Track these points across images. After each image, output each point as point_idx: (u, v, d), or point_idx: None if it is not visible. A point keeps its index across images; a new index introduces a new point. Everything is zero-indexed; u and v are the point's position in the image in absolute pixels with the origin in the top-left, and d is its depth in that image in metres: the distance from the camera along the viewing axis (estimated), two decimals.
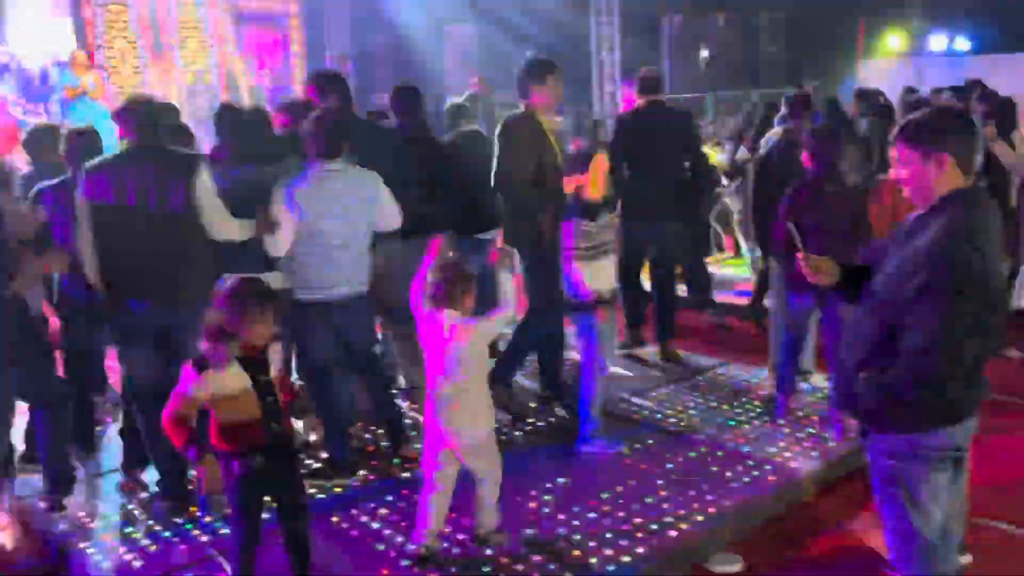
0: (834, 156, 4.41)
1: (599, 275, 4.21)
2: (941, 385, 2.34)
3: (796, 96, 5.76)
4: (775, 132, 6.10)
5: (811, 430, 4.53)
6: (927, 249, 2.34)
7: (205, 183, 3.79)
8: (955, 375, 2.34)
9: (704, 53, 15.47)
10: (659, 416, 4.85)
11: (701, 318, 6.75)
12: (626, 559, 3.40)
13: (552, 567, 3.39)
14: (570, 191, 4.25)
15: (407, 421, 4.65)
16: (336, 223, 4.02)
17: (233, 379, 2.84)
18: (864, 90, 8.13)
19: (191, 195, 3.73)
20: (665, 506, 3.81)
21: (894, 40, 13.51)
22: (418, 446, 4.18)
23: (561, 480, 4.06)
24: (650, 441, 4.51)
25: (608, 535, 3.57)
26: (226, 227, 3.87)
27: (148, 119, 3.83)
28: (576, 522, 3.68)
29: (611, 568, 3.35)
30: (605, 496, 3.91)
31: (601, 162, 4.20)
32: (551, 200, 4.54)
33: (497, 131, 4.71)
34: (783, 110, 6.07)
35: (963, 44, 13.05)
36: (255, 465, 2.89)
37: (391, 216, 4.23)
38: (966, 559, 3.19)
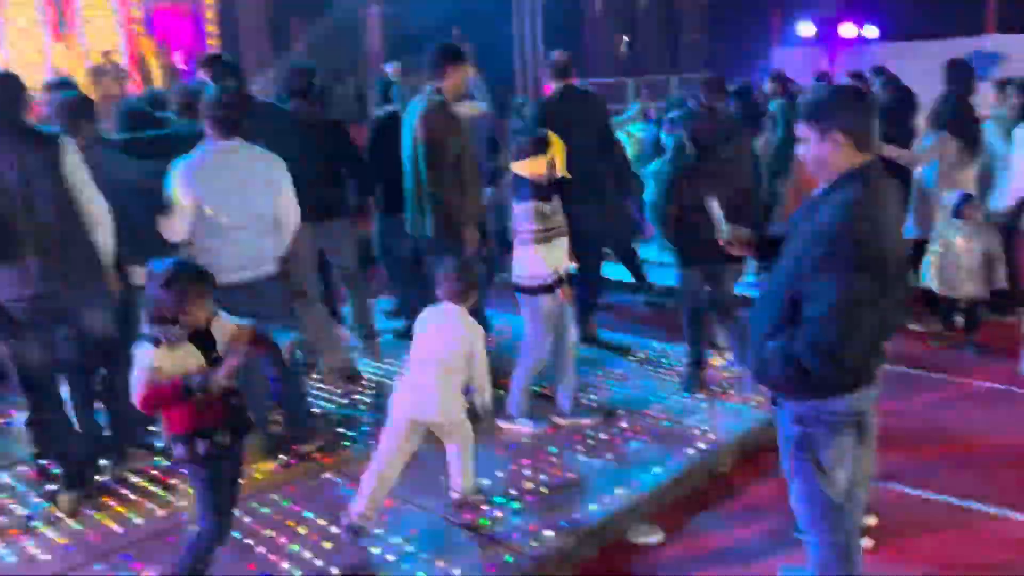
0: (712, 136, 4.61)
1: (556, 256, 4.25)
2: (840, 354, 2.42)
3: (709, 80, 5.87)
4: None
5: (729, 403, 4.65)
6: (825, 224, 2.42)
7: (73, 161, 3.61)
8: (853, 345, 2.42)
9: (625, 38, 15.64)
10: (581, 394, 4.90)
11: (635, 299, 6.90)
12: (548, 533, 3.44)
13: (475, 544, 3.40)
14: (535, 172, 4.19)
15: (316, 411, 4.59)
16: (236, 203, 3.87)
17: (189, 358, 2.80)
18: (778, 73, 8.34)
19: (57, 173, 3.57)
20: (587, 482, 3.86)
21: (807, 28, 13.91)
22: (318, 444, 4.22)
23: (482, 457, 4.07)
24: (586, 427, 4.52)
25: (530, 511, 3.61)
26: (98, 208, 3.70)
27: (5, 95, 3.62)
28: (498, 499, 3.70)
29: (533, 544, 3.37)
30: (527, 472, 3.94)
31: (558, 141, 4.22)
32: (468, 189, 4.53)
33: (415, 121, 4.60)
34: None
35: (872, 32, 13.52)
36: (221, 441, 2.88)
37: (290, 205, 4.08)
38: (871, 520, 3.33)
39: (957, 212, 5.34)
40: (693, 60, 16.15)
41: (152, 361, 2.74)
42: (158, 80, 11.22)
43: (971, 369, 5.29)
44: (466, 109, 5.66)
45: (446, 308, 3.54)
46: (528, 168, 4.16)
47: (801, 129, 2.57)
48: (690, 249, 4.65)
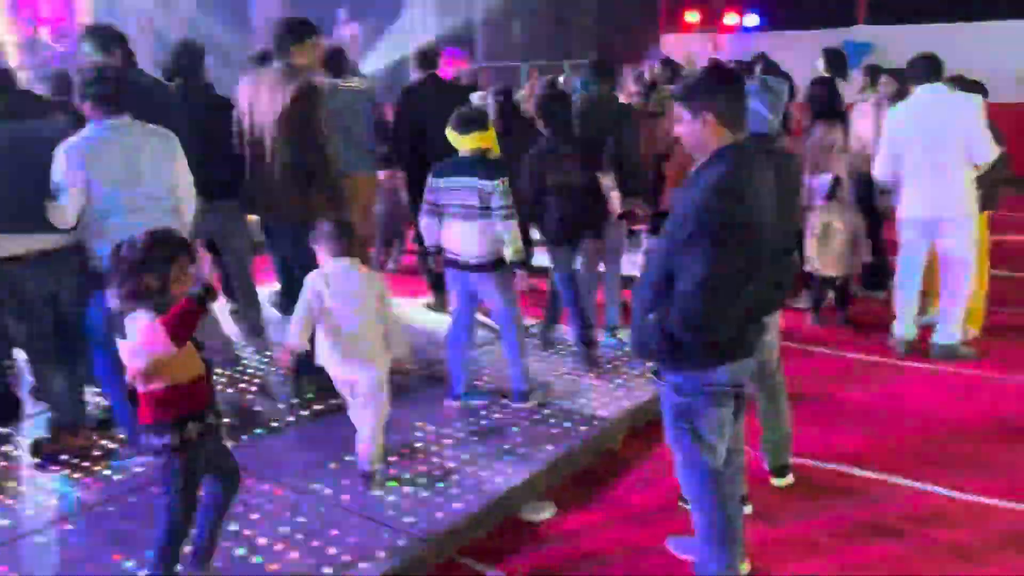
0: (564, 118, 4.86)
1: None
2: (711, 327, 2.50)
3: (595, 63, 5.94)
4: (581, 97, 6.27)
5: (618, 380, 4.74)
6: (693, 201, 2.50)
7: None
8: (722, 317, 2.51)
9: (516, 23, 15.67)
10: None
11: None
12: (439, 515, 3.42)
13: (365, 525, 3.36)
14: (480, 147, 4.16)
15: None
16: (129, 184, 3.68)
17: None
18: (668, 59, 8.54)
19: None
20: (481, 460, 3.86)
21: (693, 15, 14.29)
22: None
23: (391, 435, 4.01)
24: (480, 408, 4.54)
25: (424, 492, 3.59)
26: None
27: None
28: (391, 481, 3.66)
29: (423, 526, 3.35)
30: (420, 454, 3.92)
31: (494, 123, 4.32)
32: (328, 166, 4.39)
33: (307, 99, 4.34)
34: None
35: (752, 20, 14.02)
36: (200, 428, 2.74)
37: (188, 185, 3.93)
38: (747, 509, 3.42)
39: (830, 195, 5.59)
40: (584, 45, 16.34)
41: (164, 349, 2.55)
42: (13, 57, 10.40)
43: (847, 342, 5.58)
44: (342, 83, 5.60)
45: (342, 264, 3.50)
46: (475, 143, 4.17)
47: (677, 109, 2.65)
48: (551, 227, 4.83)
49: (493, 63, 13.46)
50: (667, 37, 13.87)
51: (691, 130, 2.61)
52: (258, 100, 4.33)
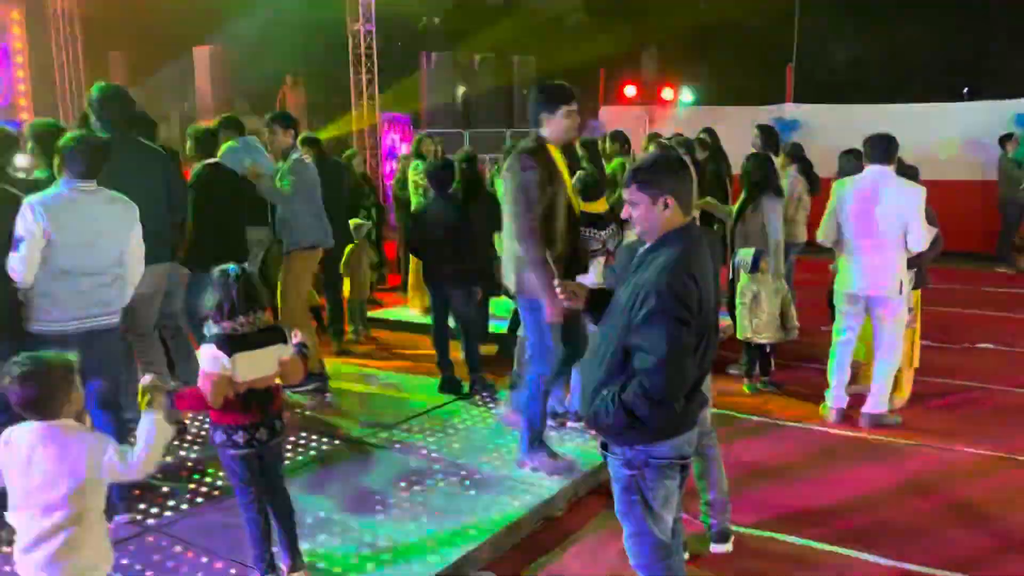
0: (446, 186, 5.78)
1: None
2: (669, 401, 2.59)
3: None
4: None
5: (565, 446, 4.77)
6: (654, 280, 2.60)
7: None
8: (679, 391, 2.61)
9: (461, 90, 16.01)
10: (420, 442, 4.89)
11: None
12: None
13: None
14: None
15: None
16: (87, 247, 3.73)
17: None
18: (617, 132, 8.77)
19: None
20: (426, 532, 3.83)
21: (630, 89, 14.84)
22: None
23: (322, 514, 3.96)
24: (412, 466, 4.54)
25: (369, 564, 3.53)
26: None
27: None
28: (337, 553, 3.61)
29: None
30: (365, 525, 3.87)
31: None
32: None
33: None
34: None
35: (688, 96, 14.64)
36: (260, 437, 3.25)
37: (139, 254, 4.01)
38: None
39: (754, 267, 5.83)
40: (526, 114, 16.77)
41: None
42: None
43: (780, 410, 5.74)
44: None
45: None
46: None
47: (631, 193, 2.74)
48: (428, 275, 5.78)
49: (435, 130, 13.67)
50: (607, 109, 14.32)
51: (649, 213, 2.71)
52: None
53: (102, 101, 4.60)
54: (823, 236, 5.47)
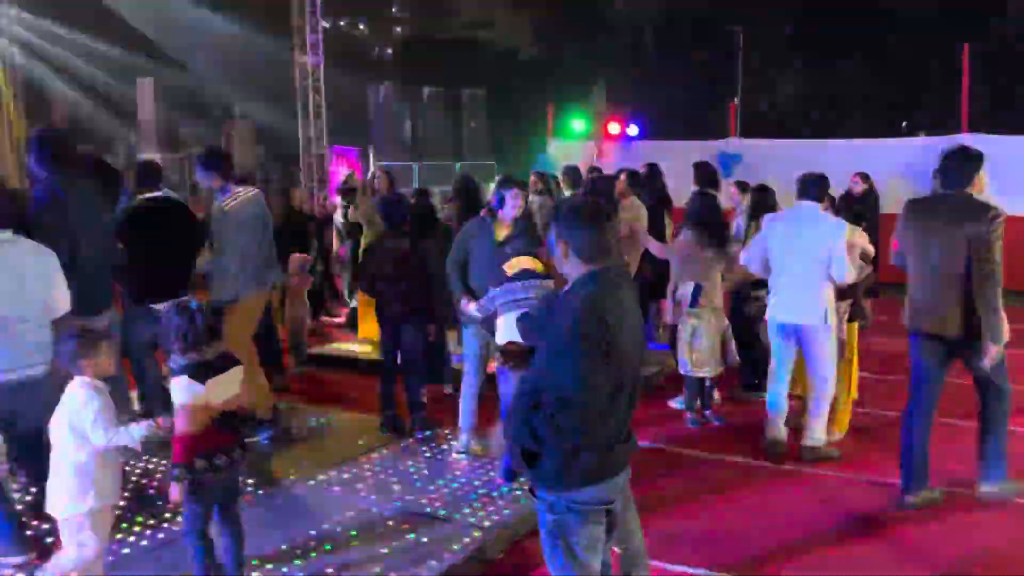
0: (398, 217, 5.72)
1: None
2: (573, 439, 2.58)
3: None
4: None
5: (504, 488, 4.72)
6: (560, 322, 2.62)
7: None
8: (586, 431, 2.58)
9: (408, 123, 16.05)
10: (359, 483, 4.79)
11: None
12: None
13: None
14: None
15: None
16: (13, 294, 3.71)
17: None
18: (569, 168, 8.81)
19: None
20: (371, 574, 3.74)
21: (579, 122, 15.03)
22: None
23: (256, 561, 3.85)
24: (346, 508, 4.45)
25: None
26: None
27: None
28: None
29: None
30: (292, 571, 3.76)
31: None
32: None
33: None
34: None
35: (634, 130, 14.87)
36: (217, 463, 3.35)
37: (63, 298, 3.95)
38: None
39: (694, 301, 5.89)
40: (476, 147, 16.87)
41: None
42: None
43: (720, 444, 5.76)
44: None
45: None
46: None
47: (551, 235, 2.79)
48: (377, 310, 5.68)
49: (385, 162, 13.66)
50: (555, 142, 14.47)
51: (559, 255, 2.77)
52: None
53: (39, 144, 4.57)
54: (755, 268, 5.59)
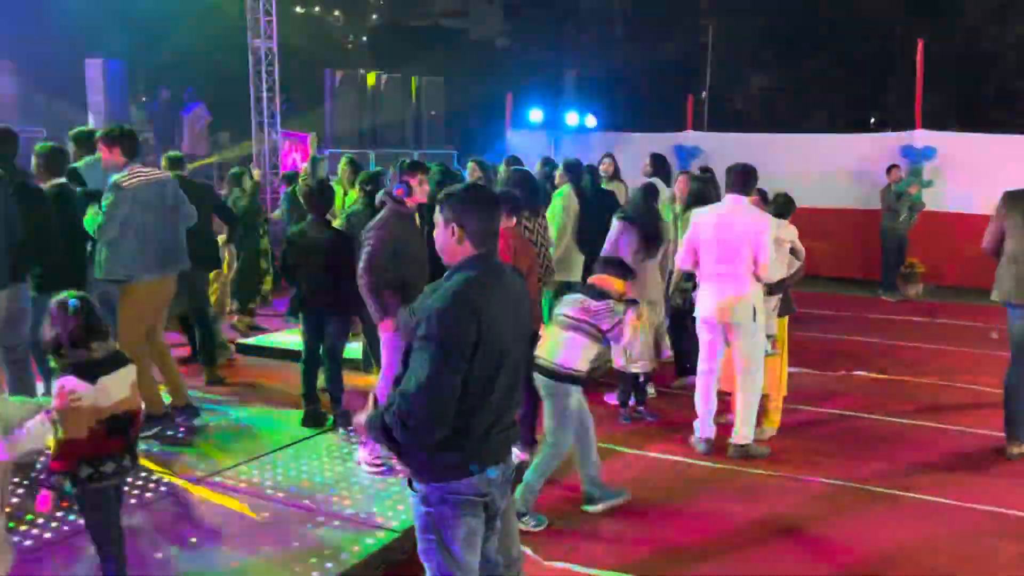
0: (324, 207, 5.62)
1: None
2: (425, 428, 2.46)
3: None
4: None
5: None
6: (432, 305, 2.51)
7: None
8: (435, 422, 2.46)
9: (365, 111, 15.79)
10: (268, 480, 4.63)
11: None
12: None
13: None
14: None
15: None
16: None
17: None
18: (514, 158, 8.71)
19: None
20: (270, 573, 3.59)
21: (536, 113, 14.87)
22: None
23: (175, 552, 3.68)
24: (251, 506, 4.30)
25: None
26: None
27: None
28: None
29: None
30: (192, 572, 3.61)
31: None
32: None
33: None
34: None
35: (592, 121, 14.75)
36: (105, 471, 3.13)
37: None
38: None
39: None
40: (434, 137, 16.66)
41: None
42: None
43: (651, 441, 5.65)
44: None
45: None
46: None
47: (436, 214, 2.69)
48: (299, 302, 5.52)
49: (340, 150, 13.43)
50: (512, 133, 14.31)
51: (441, 238, 2.67)
52: None
53: None
54: (679, 262, 5.51)
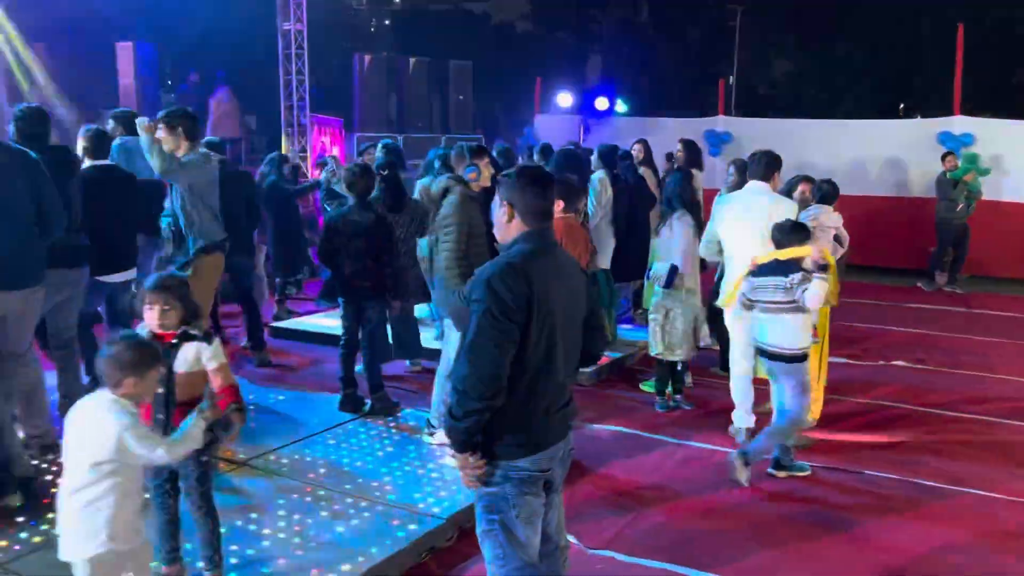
0: (365, 191, 5.48)
1: None
2: (473, 394, 2.46)
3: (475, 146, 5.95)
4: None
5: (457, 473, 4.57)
6: (485, 273, 2.55)
7: None
8: (482, 387, 2.45)
9: (393, 95, 15.75)
10: (308, 465, 4.64)
11: None
12: None
13: None
14: None
15: None
16: None
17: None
18: (547, 146, 8.67)
19: None
20: (298, 564, 3.60)
21: (565, 98, 14.77)
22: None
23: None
24: (294, 491, 4.31)
25: None
26: None
27: None
28: None
29: None
30: (234, 555, 3.61)
31: None
32: None
33: None
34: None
35: (621, 106, 14.62)
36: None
37: None
38: None
39: (669, 282, 5.70)
40: (462, 121, 16.59)
41: None
42: None
43: (688, 431, 5.61)
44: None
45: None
46: None
47: (496, 196, 2.77)
48: (340, 286, 5.44)
49: (368, 133, 13.41)
50: (541, 117, 14.21)
51: (497, 216, 2.74)
52: None
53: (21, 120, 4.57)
54: (705, 252, 5.46)
